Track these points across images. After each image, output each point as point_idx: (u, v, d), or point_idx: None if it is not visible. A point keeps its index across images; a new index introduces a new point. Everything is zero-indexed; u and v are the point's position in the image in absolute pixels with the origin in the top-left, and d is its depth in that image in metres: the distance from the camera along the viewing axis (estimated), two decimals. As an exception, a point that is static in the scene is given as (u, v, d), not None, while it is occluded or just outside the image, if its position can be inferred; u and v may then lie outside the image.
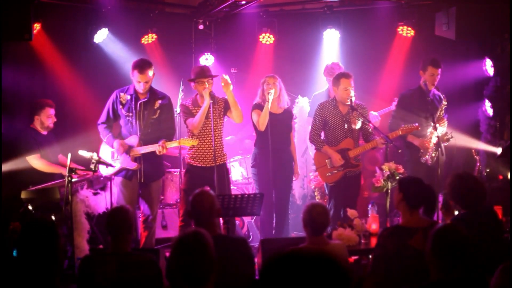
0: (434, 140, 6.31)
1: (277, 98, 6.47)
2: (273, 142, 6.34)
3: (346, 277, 1.64)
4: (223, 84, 6.00)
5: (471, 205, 4.02)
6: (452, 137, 6.29)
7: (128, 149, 5.95)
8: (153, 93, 6.06)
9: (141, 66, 5.87)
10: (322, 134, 6.42)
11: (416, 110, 6.48)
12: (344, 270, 1.64)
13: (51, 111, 6.52)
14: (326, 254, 1.65)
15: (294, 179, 6.79)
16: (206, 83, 6.06)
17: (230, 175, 6.54)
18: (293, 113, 6.86)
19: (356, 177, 6.35)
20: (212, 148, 6.04)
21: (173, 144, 5.88)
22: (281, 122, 6.49)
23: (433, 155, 6.39)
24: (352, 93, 6.11)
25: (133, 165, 5.94)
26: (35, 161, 6.32)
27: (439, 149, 6.17)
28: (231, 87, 6.04)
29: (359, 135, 6.34)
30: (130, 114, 5.99)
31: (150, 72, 5.92)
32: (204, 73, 6.10)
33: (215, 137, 6.06)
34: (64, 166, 6.04)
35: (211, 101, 5.96)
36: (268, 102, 6.28)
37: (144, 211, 6.13)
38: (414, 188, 3.89)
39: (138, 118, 5.97)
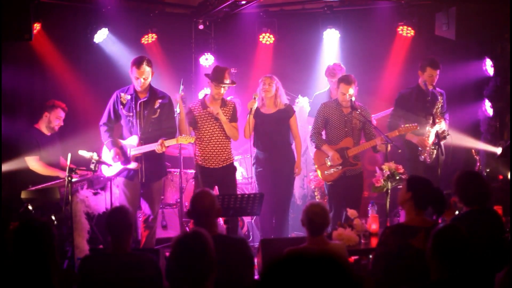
0: (432, 137, 6.32)
1: (273, 98, 6.46)
2: (268, 142, 6.36)
3: (348, 278, 1.64)
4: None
5: (476, 203, 4.01)
6: (448, 134, 6.29)
7: (124, 159, 5.93)
8: (153, 93, 6.06)
9: (139, 61, 5.89)
10: (324, 133, 6.44)
11: (415, 108, 6.50)
12: (347, 270, 1.64)
13: (62, 114, 6.54)
14: (328, 254, 1.65)
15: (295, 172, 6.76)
16: (222, 88, 6.17)
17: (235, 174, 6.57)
18: (292, 110, 6.68)
19: (357, 177, 6.35)
20: (218, 150, 6.14)
21: (171, 142, 5.89)
22: (275, 121, 6.45)
23: (432, 153, 6.38)
24: (349, 99, 6.14)
25: (134, 165, 5.94)
26: (32, 162, 6.32)
27: (439, 148, 6.17)
28: (221, 115, 6.14)
29: (360, 135, 6.36)
30: (131, 114, 5.99)
31: (148, 68, 5.91)
32: (220, 79, 6.13)
33: (223, 140, 6.17)
34: (63, 169, 6.04)
35: (184, 105, 6.08)
36: (251, 113, 6.29)
37: (145, 211, 6.13)
38: (423, 189, 3.86)
39: (138, 117, 5.97)
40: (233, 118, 6.31)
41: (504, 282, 2.80)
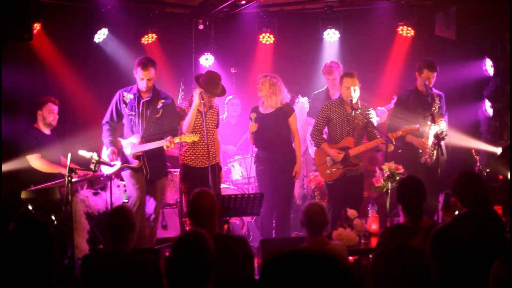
0: (431, 139, 6.31)
1: (269, 97, 6.44)
2: (268, 141, 6.36)
3: (347, 277, 1.64)
4: None
5: (474, 203, 4.01)
6: (446, 135, 6.29)
7: (122, 158, 5.94)
8: (156, 93, 6.08)
9: (144, 63, 5.91)
10: (326, 132, 6.43)
11: (413, 110, 6.49)
12: (345, 270, 1.64)
13: (54, 107, 6.52)
14: (327, 254, 1.65)
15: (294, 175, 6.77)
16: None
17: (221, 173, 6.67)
18: (291, 109, 6.67)
19: (357, 178, 6.32)
20: (205, 149, 6.12)
21: (176, 140, 5.91)
22: (274, 120, 6.43)
23: (432, 154, 6.38)
24: (354, 93, 6.13)
25: (134, 163, 5.94)
26: (34, 161, 6.31)
27: (439, 149, 6.16)
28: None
29: (363, 134, 6.34)
30: (133, 113, 6.01)
31: (153, 70, 5.94)
32: (212, 91, 6.17)
33: (210, 139, 6.15)
34: (65, 166, 6.03)
35: (202, 101, 6.05)
36: (250, 134, 6.39)
37: (146, 210, 6.12)
38: (404, 191, 3.94)
39: (140, 117, 5.99)
40: (217, 124, 6.44)
41: (497, 273, 2.79)
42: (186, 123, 6.16)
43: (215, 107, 6.44)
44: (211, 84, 6.18)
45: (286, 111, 6.51)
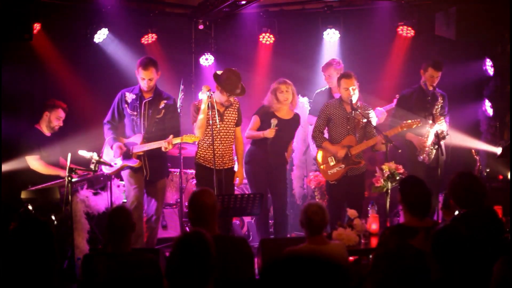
0: (431, 138, 6.32)
1: (290, 104, 6.45)
2: (272, 145, 6.33)
3: (345, 277, 1.65)
4: None
5: (469, 204, 4.01)
6: (447, 134, 6.29)
7: (126, 152, 5.92)
8: (158, 93, 6.08)
9: (145, 63, 5.92)
10: (326, 133, 6.44)
11: (415, 109, 6.50)
12: (342, 270, 1.65)
13: (62, 114, 6.54)
14: (326, 255, 1.66)
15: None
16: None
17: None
18: (298, 118, 6.68)
19: (359, 177, 6.33)
20: (220, 150, 5.99)
21: (176, 141, 5.88)
22: (287, 128, 6.44)
23: (431, 153, 6.38)
24: (353, 93, 6.14)
25: (134, 162, 5.94)
26: (33, 162, 6.32)
27: (439, 149, 6.17)
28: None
29: (364, 133, 6.34)
30: (135, 113, 6.01)
31: (154, 70, 5.94)
32: (232, 91, 5.97)
33: (226, 141, 6.07)
34: (63, 168, 6.04)
35: (210, 100, 5.87)
36: (266, 135, 6.22)
37: (148, 210, 6.12)
38: (409, 190, 3.93)
39: (142, 117, 5.99)
40: (238, 122, 6.24)
41: (499, 272, 2.79)
42: (197, 124, 5.99)
43: (235, 103, 6.20)
44: (230, 83, 5.98)
45: (297, 119, 6.58)
